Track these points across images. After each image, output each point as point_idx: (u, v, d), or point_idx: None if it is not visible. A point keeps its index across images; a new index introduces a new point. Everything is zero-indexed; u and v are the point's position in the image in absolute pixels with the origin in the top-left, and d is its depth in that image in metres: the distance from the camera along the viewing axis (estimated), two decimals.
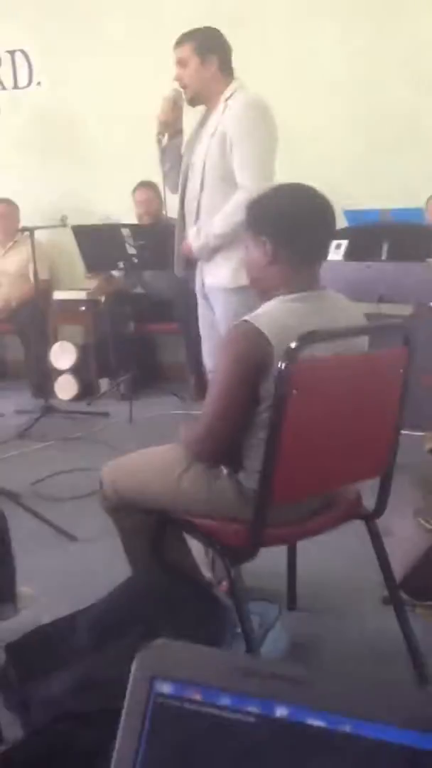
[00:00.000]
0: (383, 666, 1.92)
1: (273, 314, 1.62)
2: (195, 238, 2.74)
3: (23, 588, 2.14)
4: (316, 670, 0.51)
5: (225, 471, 1.74)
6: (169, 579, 1.87)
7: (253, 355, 1.57)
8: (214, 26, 2.75)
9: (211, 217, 2.71)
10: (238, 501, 1.70)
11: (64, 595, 2.32)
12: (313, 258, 1.71)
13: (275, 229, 1.67)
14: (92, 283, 4.90)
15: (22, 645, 1.83)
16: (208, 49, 2.69)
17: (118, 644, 1.73)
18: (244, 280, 2.68)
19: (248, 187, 2.53)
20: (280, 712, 0.52)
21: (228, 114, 2.64)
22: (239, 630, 1.74)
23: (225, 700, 0.53)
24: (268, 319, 1.60)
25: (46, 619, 2.04)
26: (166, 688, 0.54)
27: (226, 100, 2.67)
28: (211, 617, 1.79)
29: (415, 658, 1.86)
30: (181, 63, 2.72)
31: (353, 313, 1.74)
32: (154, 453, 1.92)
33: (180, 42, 2.73)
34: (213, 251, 2.73)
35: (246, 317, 1.63)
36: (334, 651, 1.99)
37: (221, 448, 1.70)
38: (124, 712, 0.56)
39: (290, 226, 1.68)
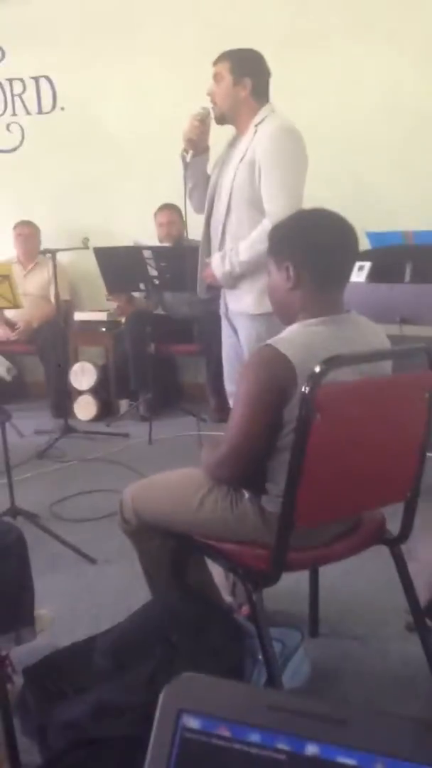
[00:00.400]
0: (407, 694, 1.88)
1: (295, 338, 1.62)
2: (219, 264, 2.73)
3: (42, 610, 2.13)
4: (348, 707, 0.49)
5: (247, 495, 1.72)
6: (190, 603, 1.85)
7: (276, 379, 1.56)
8: (257, 49, 2.75)
9: (237, 241, 2.70)
10: (261, 525, 1.69)
11: (83, 618, 2.31)
12: (335, 282, 1.70)
13: (297, 254, 1.67)
14: (113, 304, 4.92)
15: (39, 669, 1.81)
16: (243, 71, 2.68)
17: (137, 669, 1.71)
18: (268, 307, 2.70)
19: (276, 215, 2.49)
20: (311, 750, 0.50)
21: (258, 140, 2.64)
22: (261, 657, 1.72)
23: (254, 737, 0.51)
24: (290, 343, 1.60)
25: (64, 643, 2.02)
26: (193, 722, 0.52)
27: (257, 125, 2.67)
28: (232, 643, 1.76)
29: None
30: (216, 79, 2.72)
31: (377, 336, 1.72)
32: (175, 476, 1.90)
33: (219, 59, 2.73)
34: (237, 279, 2.72)
35: (269, 341, 1.63)
36: (356, 679, 1.95)
37: (244, 472, 1.69)
38: (150, 745, 0.54)
39: (311, 250, 1.68)
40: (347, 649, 2.09)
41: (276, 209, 2.53)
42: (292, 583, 2.25)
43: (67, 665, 1.81)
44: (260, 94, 2.71)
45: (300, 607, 2.22)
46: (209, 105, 2.77)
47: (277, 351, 1.57)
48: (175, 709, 0.53)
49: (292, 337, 1.63)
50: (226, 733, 0.51)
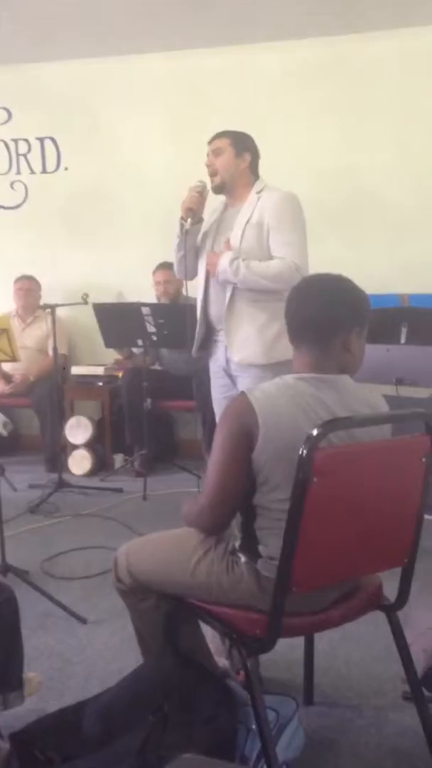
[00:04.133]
0: (403, 766, 1.82)
1: (267, 387, 1.66)
2: (227, 261, 2.85)
3: (30, 673, 2.09)
4: None
5: (243, 559, 1.70)
6: (182, 668, 1.81)
7: (244, 426, 1.60)
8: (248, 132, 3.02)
9: (249, 298, 2.88)
10: (257, 590, 1.67)
11: (73, 680, 2.25)
12: (309, 341, 1.70)
13: (287, 314, 1.74)
14: (110, 359, 4.95)
15: (27, 735, 1.76)
16: (244, 147, 2.97)
17: (127, 738, 1.66)
18: (276, 357, 2.81)
19: (292, 260, 2.81)
20: None
21: (265, 204, 2.89)
22: (254, 726, 1.67)
23: None
24: (260, 392, 1.64)
25: (53, 706, 1.98)
26: None
27: (258, 192, 2.94)
28: (225, 712, 1.72)
29: None
30: (216, 152, 2.97)
31: (363, 402, 1.71)
32: (170, 536, 1.89)
33: (219, 135, 3.00)
34: (234, 281, 2.86)
35: (244, 390, 1.67)
36: (352, 751, 1.90)
37: (223, 519, 1.71)
38: None
39: (287, 308, 1.74)
40: (343, 719, 2.04)
41: (289, 257, 2.83)
42: (287, 649, 2.21)
43: (55, 732, 1.76)
44: (255, 168, 3.02)
45: (294, 673, 2.17)
46: (205, 178, 3.02)
47: (246, 399, 1.61)
48: None
49: (266, 386, 1.67)
50: None
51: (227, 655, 2.05)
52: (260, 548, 1.67)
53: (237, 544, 1.73)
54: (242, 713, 1.76)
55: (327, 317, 1.68)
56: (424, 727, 1.79)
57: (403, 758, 1.86)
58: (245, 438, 1.59)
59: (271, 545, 1.64)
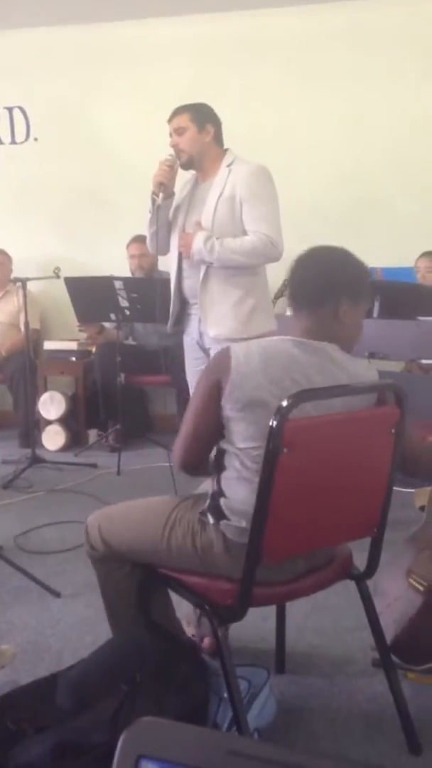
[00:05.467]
0: (374, 733, 1.86)
1: (250, 343, 1.69)
2: (201, 240, 2.84)
3: (3, 646, 2.09)
4: (307, 754, 0.48)
5: (211, 520, 1.71)
6: (154, 638, 1.82)
7: (217, 374, 1.66)
8: (205, 102, 2.99)
9: (225, 273, 2.87)
10: (225, 555, 1.68)
11: (46, 653, 2.26)
12: (302, 307, 1.73)
13: (289, 279, 1.79)
14: (83, 334, 4.91)
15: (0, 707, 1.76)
16: (205, 119, 2.93)
17: (100, 708, 1.67)
18: (250, 332, 2.83)
19: (266, 235, 2.81)
20: None
21: (236, 177, 2.87)
22: (226, 695, 1.69)
23: None
24: (241, 346, 1.68)
25: (26, 678, 1.98)
26: None
27: (228, 166, 2.91)
28: (196, 681, 1.74)
29: (406, 725, 1.80)
30: (179, 131, 2.93)
31: (346, 372, 1.69)
32: (146, 503, 1.90)
33: (177, 113, 2.95)
34: (209, 261, 2.85)
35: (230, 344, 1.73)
36: (323, 717, 1.93)
37: (193, 458, 1.78)
38: None
39: (289, 277, 1.77)
40: (314, 687, 2.07)
41: (264, 230, 2.82)
42: (259, 620, 2.24)
43: (28, 703, 1.77)
44: (219, 139, 2.98)
45: (266, 644, 2.20)
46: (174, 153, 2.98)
47: (226, 351, 1.67)
48: (134, 754, 0.52)
49: (250, 342, 1.70)
50: None
51: (196, 623, 2.07)
52: (222, 501, 1.69)
53: (207, 503, 1.74)
54: (215, 683, 1.78)
55: (319, 281, 1.71)
56: (393, 692, 1.82)
57: (373, 723, 1.90)
58: (217, 385, 1.65)
59: (232, 496, 1.67)
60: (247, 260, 2.84)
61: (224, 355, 1.66)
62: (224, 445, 1.71)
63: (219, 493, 1.71)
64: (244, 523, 1.63)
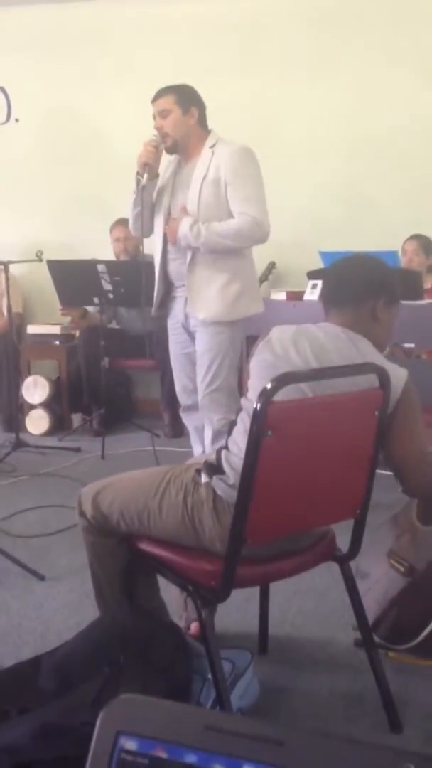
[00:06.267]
0: (356, 712, 1.88)
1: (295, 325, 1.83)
2: (186, 226, 2.82)
3: None
4: (285, 728, 0.49)
5: (205, 479, 1.74)
6: (138, 621, 1.83)
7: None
8: (188, 83, 2.97)
9: (212, 255, 2.86)
10: (211, 516, 1.70)
11: (30, 636, 2.26)
12: (327, 304, 1.89)
13: (325, 280, 2.03)
14: (67, 318, 4.88)
15: None
16: (189, 101, 2.91)
17: (83, 689, 1.67)
18: (237, 315, 2.84)
19: (253, 217, 2.81)
20: None
21: (219, 159, 2.85)
22: (209, 676, 1.70)
23: (191, 758, 0.50)
24: (285, 325, 1.83)
25: (9, 661, 1.98)
26: (131, 744, 0.51)
27: (211, 147, 2.88)
28: (179, 662, 1.74)
29: (387, 703, 1.82)
30: (163, 114, 2.90)
31: (344, 352, 1.75)
32: (139, 471, 1.95)
33: (160, 95, 2.92)
34: (196, 246, 2.84)
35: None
36: (306, 697, 1.95)
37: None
38: (87, 766, 0.53)
39: (329, 272, 2.05)
40: (296, 667, 2.09)
41: (251, 212, 2.81)
42: (242, 601, 2.25)
43: (11, 686, 1.77)
44: (203, 121, 2.96)
45: (249, 625, 2.21)
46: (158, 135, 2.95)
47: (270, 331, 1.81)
48: (113, 730, 0.52)
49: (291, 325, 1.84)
50: (163, 755, 0.50)
51: (183, 606, 2.07)
52: (223, 454, 1.75)
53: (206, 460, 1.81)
54: (198, 664, 1.79)
55: (363, 280, 1.84)
56: (375, 672, 1.84)
57: (354, 702, 1.92)
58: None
59: (233, 449, 1.73)
60: (234, 243, 2.83)
61: (266, 334, 1.82)
62: (241, 402, 1.82)
63: (224, 447, 1.78)
64: (232, 480, 1.67)
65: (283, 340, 1.76)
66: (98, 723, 0.52)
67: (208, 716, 0.50)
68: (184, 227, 2.82)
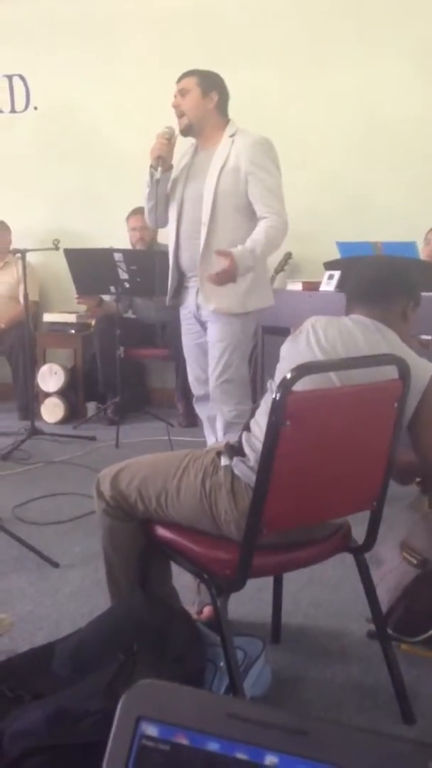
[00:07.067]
0: (368, 703, 1.88)
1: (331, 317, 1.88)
2: (242, 255, 2.74)
3: (1, 615, 2.10)
4: (308, 718, 0.48)
5: (224, 462, 1.75)
6: (152, 609, 1.83)
7: None
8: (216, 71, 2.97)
9: (227, 244, 2.80)
10: (228, 498, 1.70)
11: (44, 622, 2.27)
12: (351, 300, 1.93)
13: (354, 277, 2.08)
14: (83, 307, 4.89)
15: None
16: (211, 86, 2.90)
17: (97, 675, 1.68)
18: (248, 307, 2.82)
19: (277, 212, 2.80)
20: (270, 760, 0.49)
21: (239, 149, 2.83)
22: (221, 664, 1.70)
23: (213, 746, 0.50)
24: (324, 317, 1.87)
25: (23, 647, 1.99)
26: (152, 730, 0.51)
27: (231, 136, 2.88)
28: (193, 651, 1.75)
29: (401, 695, 1.82)
30: (182, 92, 2.90)
31: (372, 343, 1.77)
32: (159, 454, 1.98)
33: (185, 75, 2.93)
34: (254, 266, 2.83)
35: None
36: (318, 687, 1.95)
37: None
38: (107, 752, 0.53)
39: (359, 269, 2.16)
40: (309, 657, 2.09)
41: (276, 211, 2.82)
42: (255, 591, 2.25)
43: (26, 671, 1.78)
44: (223, 109, 2.94)
45: (262, 615, 2.21)
46: (173, 123, 2.95)
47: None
48: (133, 716, 0.52)
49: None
50: (185, 741, 0.50)
51: (197, 591, 2.08)
52: (244, 435, 1.78)
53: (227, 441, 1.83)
54: (211, 652, 1.79)
55: (397, 280, 1.91)
56: (388, 663, 1.83)
57: (367, 693, 1.92)
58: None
59: (255, 430, 1.75)
60: (277, 244, 2.87)
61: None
62: (267, 384, 1.82)
63: (246, 428, 1.80)
64: (252, 461, 1.68)
65: (316, 328, 1.80)
66: (119, 707, 0.52)
67: (230, 704, 0.49)
68: (240, 259, 2.72)
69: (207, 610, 2.04)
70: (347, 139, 4.65)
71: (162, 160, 2.92)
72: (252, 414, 1.84)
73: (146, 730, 0.51)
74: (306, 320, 1.85)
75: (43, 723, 1.56)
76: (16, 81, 5.15)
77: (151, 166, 2.94)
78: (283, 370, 1.75)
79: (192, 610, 2.06)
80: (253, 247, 2.76)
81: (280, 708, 0.46)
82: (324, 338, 1.77)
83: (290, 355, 1.80)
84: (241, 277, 2.80)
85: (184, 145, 3.02)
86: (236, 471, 1.73)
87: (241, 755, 0.49)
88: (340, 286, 3.44)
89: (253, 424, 1.80)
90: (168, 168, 2.97)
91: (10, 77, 5.15)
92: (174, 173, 3.00)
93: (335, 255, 3.77)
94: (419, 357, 1.79)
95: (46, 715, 1.58)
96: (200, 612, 2.07)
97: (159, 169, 2.93)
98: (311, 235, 4.45)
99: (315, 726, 0.48)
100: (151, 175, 2.95)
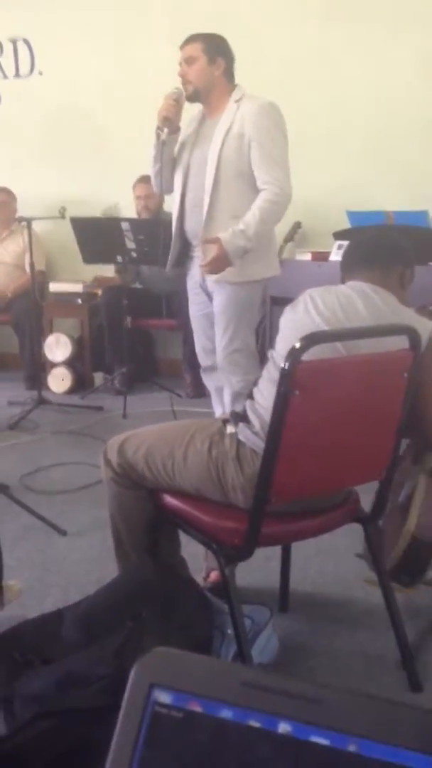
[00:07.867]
0: (376, 670, 1.89)
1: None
2: (231, 240, 2.71)
3: (10, 581, 2.11)
4: (322, 687, 0.48)
5: (230, 429, 1.76)
6: (161, 576, 1.84)
7: None
8: (221, 34, 2.89)
9: (230, 213, 2.76)
10: (235, 465, 1.71)
11: (52, 589, 2.29)
12: (348, 268, 1.92)
13: (354, 242, 2.02)
14: (89, 276, 4.86)
15: (7, 640, 1.79)
16: (217, 51, 2.83)
17: (106, 641, 1.70)
18: (251, 276, 2.78)
19: (277, 182, 2.73)
20: (284, 728, 0.49)
21: (244, 114, 2.76)
22: (228, 631, 1.71)
23: (226, 713, 0.49)
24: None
25: (33, 614, 2.00)
26: (165, 697, 0.51)
27: (237, 101, 2.80)
28: (201, 618, 1.76)
29: (408, 663, 1.83)
30: (189, 60, 2.83)
31: (371, 308, 1.75)
32: (166, 423, 1.99)
33: (190, 40, 2.84)
34: (250, 246, 2.76)
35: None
36: (325, 654, 1.97)
37: None
38: (120, 718, 0.53)
39: (360, 234, 2.27)
40: (316, 625, 2.10)
41: (276, 179, 2.72)
42: (263, 560, 2.26)
43: (35, 636, 1.79)
44: (230, 74, 2.87)
45: (270, 583, 2.22)
46: (180, 86, 2.87)
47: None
48: (146, 683, 0.51)
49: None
50: (198, 709, 0.50)
51: (204, 556, 2.09)
52: (248, 403, 1.79)
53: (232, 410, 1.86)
54: (218, 620, 1.80)
55: (395, 244, 1.92)
56: (396, 634, 1.84)
57: (374, 660, 1.93)
58: None
59: (258, 398, 1.76)
60: (275, 219, 2.80)
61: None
62: (269, 353, 1.82)
63: (249, 396, 1.81)
64: (257, 427, 1.70)
65: (314, 296, 1.78)
66: (132, 674, 0.52)
67: (244, 672, 0.49)
68: (230, 243, 2.70)
69: (214, 575, 2.06)
70: (360, 109, 4.56)
71: (169, 122, 2.86)
72: (255, 383, 1.84)
73: (159, 698, 0.51)
74: (301, 294, 1.84)
75: (52, 688, 1.58)
76: (21, 45, 5.06)
77: (158, 128, 2.88)
78: (284, 339, 1.74)
79: (199, 578, 2.07)
80: (245, 228, 2.71)
81: (294, 677, 0.46)
82: (323, 305, 1.75)
83: (290, 325, 1.78)
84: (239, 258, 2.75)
85: (192, 111, 2.96)
86: (241, 437, 1.73)
87: (254, 723, 0.49)
88: None
89: (256, 391, 1.80)
90: (175, 130, 2.91)
91: (14, 41, 5.06)
92: (181, 138, 2.94)
93: (345, 225, 3.73)
94: (420, 317, 1.78)
95: (57, 678, 1.59)
96: (207, 576, 2.09)
97: (165, 130, 2.87)
98: (321, 205, 4.39)
99: (329, 694, 0.47)
100: (157, 136, 2.89)
